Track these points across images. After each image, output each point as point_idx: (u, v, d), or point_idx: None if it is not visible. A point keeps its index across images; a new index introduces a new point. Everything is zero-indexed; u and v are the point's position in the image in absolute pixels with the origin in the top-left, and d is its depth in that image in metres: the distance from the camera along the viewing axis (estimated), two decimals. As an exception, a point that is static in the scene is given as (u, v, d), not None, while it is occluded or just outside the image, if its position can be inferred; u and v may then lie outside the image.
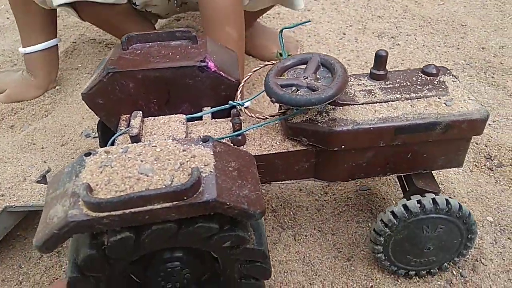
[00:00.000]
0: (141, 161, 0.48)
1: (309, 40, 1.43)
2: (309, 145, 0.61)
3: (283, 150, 0.61)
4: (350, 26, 1.50)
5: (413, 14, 1.54)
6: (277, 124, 0.65)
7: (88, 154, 0.50)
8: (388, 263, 0.68)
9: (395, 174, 0.66)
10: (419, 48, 1.35)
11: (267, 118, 0.62)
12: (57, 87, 1.24)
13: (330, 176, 0.64)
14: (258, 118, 0.62)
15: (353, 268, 0.74)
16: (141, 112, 0.64)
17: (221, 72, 0.67)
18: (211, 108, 0.69)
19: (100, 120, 0.77)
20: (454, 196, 0.86)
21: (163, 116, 0.65)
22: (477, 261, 0.74)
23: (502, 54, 1.28)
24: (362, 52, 1.34)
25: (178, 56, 0.67)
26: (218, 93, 0.69)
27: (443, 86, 0.63)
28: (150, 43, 0.70)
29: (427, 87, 0.63)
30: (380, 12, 1.57)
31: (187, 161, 0.48)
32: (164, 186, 0.45)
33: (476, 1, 1.59)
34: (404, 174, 0.66)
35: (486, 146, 0.96)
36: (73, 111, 1.15)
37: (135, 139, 0.59)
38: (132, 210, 0.44)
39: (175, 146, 0.50)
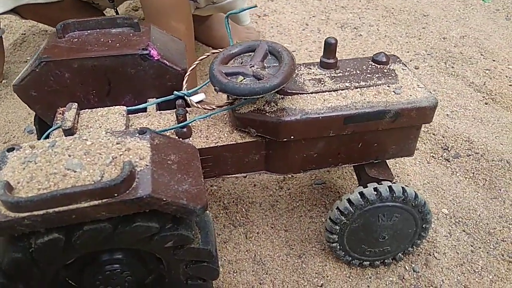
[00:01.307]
0: (69, 155, 0.46)
1: (271, 31, 1.42)
2: (258, 136, 0.60)
3: (231, 142, 0.60)
4: (313, 16, 1.50)
5: (377, 4, 1.56)
6: (225, 116, 0.64)
7: (11, 149, 0.47)
8: (343, 253, 0.68)
9: (347, 165, 0.65)
10: (381, 38, 1.36)
11: (214, 108, 0.60)
12: (3, 81, 1.18)
13: (281, 168, 0.63)
14: (204, 108, 0.61)
15: (304, 265, 0.73)
16: (76, 104, 0.61)
17: (165, 61, 0.64)
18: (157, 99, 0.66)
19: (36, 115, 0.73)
20: (410, 188, 0.87)
21: (101, 108, 0.62)
22: (430, 255, 0.74)
23: (462, 44, 1.31)
24: (324, 43, 1.34)
25: (118, 44, 0.64)
26: (163, 83, 0.66)
27: (392, 74, 0.63)
28: (88, 31, 0.67)
29: (377, 75, 0.63)
30: (344, 2, 1.58)
31: (121, 154, 0.46)
32: (92, 182, 0.43)
33: (439, -9, 1.63)
34: (356, 164, 0.66)
35: (443, 137, 0.97)
36: (18, 107, 1.10)
37: (69, 132, 0.56)
38: (56, 209, 0.41)
39: (108, 139, 0.48)
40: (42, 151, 0.47)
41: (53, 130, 0.59)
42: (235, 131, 0.61)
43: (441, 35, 1.36)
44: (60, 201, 0.41)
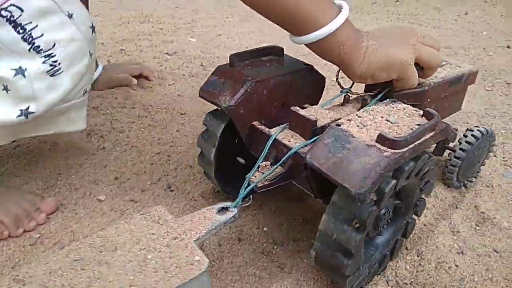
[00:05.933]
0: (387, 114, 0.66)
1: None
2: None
3: None
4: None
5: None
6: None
7: (338, 124, 0.63)
8: (455, 178, 0.98)
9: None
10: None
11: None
12: None
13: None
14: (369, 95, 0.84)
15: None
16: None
17: (320, 72, 0.86)
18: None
19: (216, 147, 0.81)
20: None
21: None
22: None
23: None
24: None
25: (286, 64, 0.82)
26: (316, 90, 0.87)
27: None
28: (246, 61, 0.82)
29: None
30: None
31: (412, 111, 0.69)
32: (416, 126, 0.63)
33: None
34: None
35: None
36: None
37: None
38: (417, 142, 0.61)
39: (392, 106, 0.70)
40: (366, 113, 0.66)
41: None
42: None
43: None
44: (420, 135, 0.61)
